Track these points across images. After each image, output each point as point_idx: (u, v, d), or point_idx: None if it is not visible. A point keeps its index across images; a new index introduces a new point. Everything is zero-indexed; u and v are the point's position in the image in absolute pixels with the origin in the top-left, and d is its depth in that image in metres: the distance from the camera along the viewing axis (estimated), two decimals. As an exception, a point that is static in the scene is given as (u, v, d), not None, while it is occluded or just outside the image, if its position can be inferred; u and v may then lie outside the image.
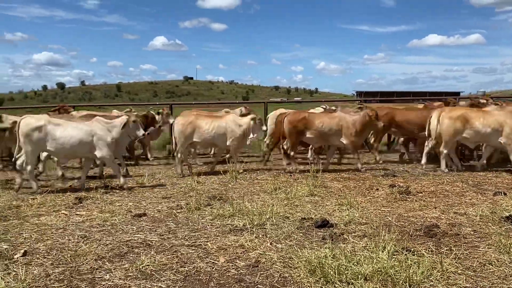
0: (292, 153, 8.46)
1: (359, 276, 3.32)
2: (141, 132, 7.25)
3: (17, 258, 3.93)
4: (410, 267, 3.45)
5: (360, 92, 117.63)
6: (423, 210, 5.40)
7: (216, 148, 9.82)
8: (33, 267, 3.72)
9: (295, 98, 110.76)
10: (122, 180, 7.05)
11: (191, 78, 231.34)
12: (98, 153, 6.89)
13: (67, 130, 6.77)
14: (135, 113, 8.86)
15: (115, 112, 10.46)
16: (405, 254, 3.75)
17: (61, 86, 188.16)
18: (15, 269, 3.64)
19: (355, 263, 3.54)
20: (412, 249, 3.93)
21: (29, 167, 6.77)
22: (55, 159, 8.08)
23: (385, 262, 3.53)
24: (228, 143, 8.40)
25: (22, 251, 4.06)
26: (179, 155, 8.37)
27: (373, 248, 3.91)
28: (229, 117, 8.74)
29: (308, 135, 8.26)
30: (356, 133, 8.13)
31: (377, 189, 6.63)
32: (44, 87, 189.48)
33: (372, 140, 9.76)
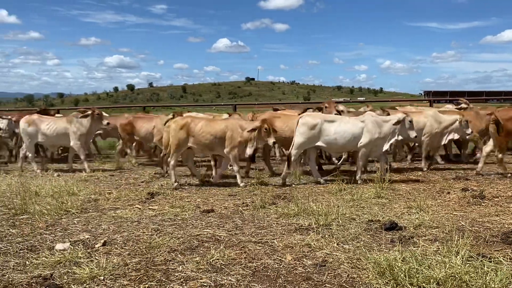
0: (500, 155, 7.56)
1: (431, 281, 3.22)
2: (413, 133, 7.20)
3: (98, 247, 4.22)
4: (487, 274, 3.29)
5: (428, 91, 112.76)
6: (499, 216, 5.11)
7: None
8: (113, 256, 3.98)
9: (359, 98, 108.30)
10: (385, 172, 7.24)
11: (253, 79, 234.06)
12: (358, 144, 7.15)
13: (341, 125, 7.17)
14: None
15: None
16: (481, 261, 3.57)
17: (131, 87, 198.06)
18: (97, 258, 3.91)
19: (427, 267, 3.43)
20: (488, 256, 3.74)
21: (293, 151, 7.25)
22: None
23: (459, 267, 3.39)
24: (423, 138, 8.19)
25: (102, 241, 4.35)
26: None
27: (445, 252, 3.76)
28: (430, 112, 8.50)
29: None
30: None
31: (449, 193, 6.36)
32: (116, 89, 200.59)
33: None
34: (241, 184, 7.10)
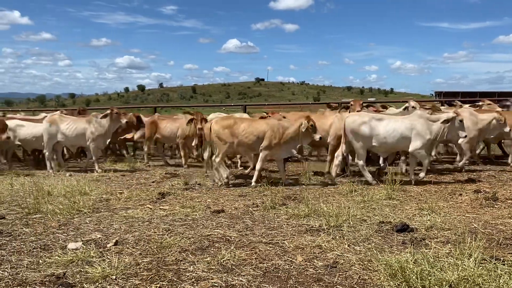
0: None
1: (444, 283, 3.19)
2: (463, 133, 6.91)
3: (110, 247, 4.26)
4: (501, 277, 3.26)
5: (439, 92, 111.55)
6: (513, 218, 5.05)
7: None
8: (124, 256, 4.00)
9: (369, 99, 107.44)
10: (422, 174, 7.11)
11: (262, 80, 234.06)
12: (411, 147, 6.96)
13: (389, 124, 7.02)
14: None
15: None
16: (494, 263, 3.53)
17: (141, 88, 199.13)
18: (108, 257, 3.94)
19: (439, 270, 3.41)
20: (502, 258, 3.70)
21: (360, 162, 7.17)
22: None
23: (472, 270, 3.35)
24: (458, 139, 7.81)
25: (114, 240, 4.39)
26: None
27: (458, 255, 3.72)
28: (466, 113, 8.13)
29: None
30: None
31: (461, 194, 6.31)
32: (126, 89, 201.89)
33: None
34: (253, 184, 7.11)
